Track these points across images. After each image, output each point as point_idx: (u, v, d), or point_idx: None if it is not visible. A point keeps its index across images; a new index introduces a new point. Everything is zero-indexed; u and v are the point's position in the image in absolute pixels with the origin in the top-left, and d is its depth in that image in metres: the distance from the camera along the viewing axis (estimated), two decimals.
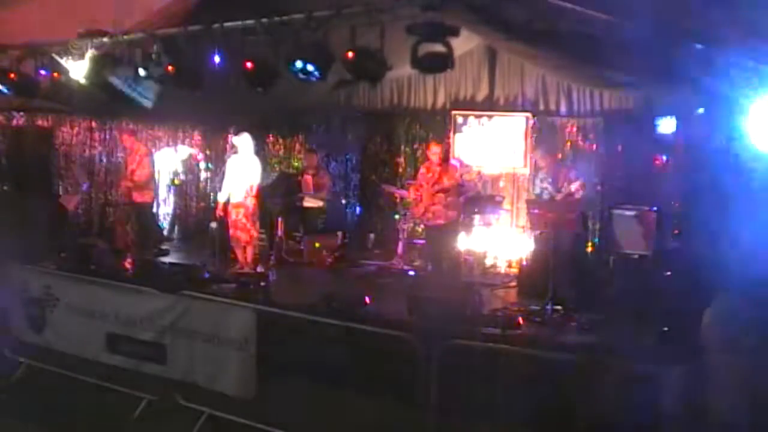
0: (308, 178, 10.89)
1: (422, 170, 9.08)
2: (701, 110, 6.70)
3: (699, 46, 5.19)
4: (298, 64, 6.30)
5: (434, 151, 8.96)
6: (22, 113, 10.74)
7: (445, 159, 9.03)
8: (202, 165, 12.53)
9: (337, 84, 8.58)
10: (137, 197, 10.36)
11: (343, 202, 12.45)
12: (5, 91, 8.19)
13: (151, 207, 11.01)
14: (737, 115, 5.67)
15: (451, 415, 5.60)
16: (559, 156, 9.70)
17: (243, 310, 6.55)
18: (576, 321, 6.93)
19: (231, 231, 9.19)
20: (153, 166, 10.66)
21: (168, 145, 12.56)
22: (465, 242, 9.41)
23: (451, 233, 8.78)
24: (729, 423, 2.69)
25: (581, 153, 10.54)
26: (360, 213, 12.43)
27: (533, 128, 10.90)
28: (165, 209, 12.73)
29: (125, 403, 6.42)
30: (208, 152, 12.76)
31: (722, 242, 5.35)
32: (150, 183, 10.56)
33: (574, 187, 8.14)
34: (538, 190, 8.66)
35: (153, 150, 11.81)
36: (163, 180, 12.18)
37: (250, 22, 6.66)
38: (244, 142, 9.16)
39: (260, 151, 10.01)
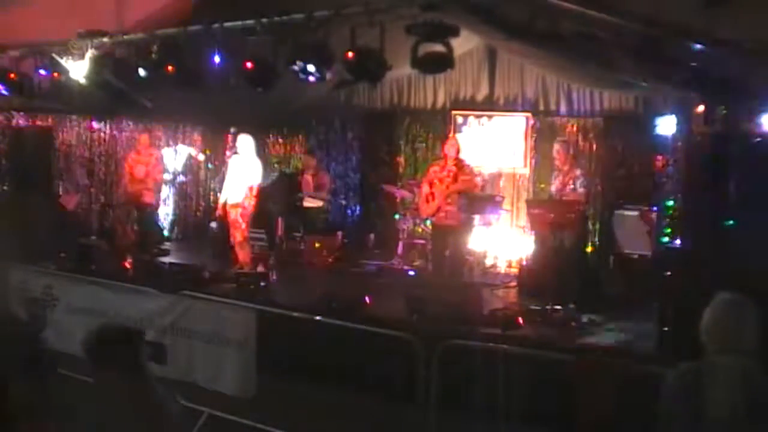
0: (308, 178, 10.89)
1: (435, 168, 8.73)
2: (701, 109, 6.70)
3: (699, 46, 5.19)
4: (298, 64, 6.30)
5: (452, 144, 8.62)
6: (22, 113, 10.74)
7: (458, 157, 8.65)
8: (202, 163, 12.54)
9: (337, 84, 8.58)
10: (147, 197, 10.40)
11: (343, 202, 12.46)
12: (5, 91, 8.20)
13: (156, 208, 11.06)
14: (737, 115, 5.67)
15: (451, 415, 5.60)
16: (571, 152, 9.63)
17: (243, 310, 6.56)
18: (576, 321, 6.92)
19: (230, 231, 9.20)
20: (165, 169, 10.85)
21: (168, 145, 12.56)
22: (465, 242, 9.40)
23: (461, 234, 8.67)
24: (728, 424, 2.69)
25: (581, 153, 10.54)
26: (360, 213, 12.42)
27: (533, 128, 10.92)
28: (165, 209, 12.72)
29: None
30: (208, 152, 12.76)
31: (722, 242, 5.36)
32: (159, 184, 10.63)
33: (579, 185, 8.14)
34: (553, 188, 8.60)
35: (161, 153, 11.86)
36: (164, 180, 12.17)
37: (250, 22, 6.66)
38: (245, 143, 9.16)
39: (260, 151, 10.00)
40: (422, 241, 10.33)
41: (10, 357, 3.26)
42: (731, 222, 5.43)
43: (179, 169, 12.76)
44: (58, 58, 7.69)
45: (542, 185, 10.71)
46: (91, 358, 2.99)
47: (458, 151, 8.58)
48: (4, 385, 3.16)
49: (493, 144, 10.99)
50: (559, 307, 7.08)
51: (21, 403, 3.15)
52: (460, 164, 8.53)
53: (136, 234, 11.02)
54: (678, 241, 6.07)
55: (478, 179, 10.30)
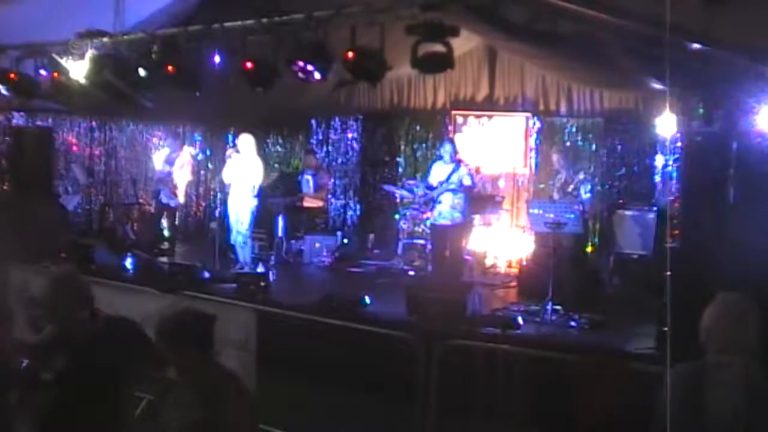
0: (308, 178, 10.90)
1: (435, 168, 8.84)
2: (701, 110, 6.70)
3: (699, 46, 5.19)
4: (298, 64, 6.29)
5: (446, 149, 8.71)
6: (22, 113, 10.74)
7: (457, 158, 8.73)
8: (201, 157, 12.56)
9: (337, 84, 8.57)
10: (174, 201, 10.41)
11: (343, 202, 12.46)
12: (5, 91, 8.20)
13: (175, 209, 11.06)
14: (737, 115, 5.67)
15: (451, 415, 5.60)
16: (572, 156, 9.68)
17: (243, 310, 6.55)
18: (576, 321, 6.93)
19: (231, 231, 9.21)
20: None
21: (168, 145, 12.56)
22: (465, 242, 9.40)
23: (456, 235, 8.68)
24: (729, 423, 2.69)
25: (581, 153, 10.54)
26: (360, 213, 12.43)
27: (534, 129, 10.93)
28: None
29: None
30: (208, 152, 12.78)
31: (722, 242, 5.36)
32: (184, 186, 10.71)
33: (584, 191, 8.14)
34: (557, 195, 8.60)
35: (154, 150, 11.84)
36: None
37: (250, 22, 6.65)
38: (246, 142, 9.16)
39: (260, 151, 10.01)
40: (422, 241, 10.34)
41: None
42: (731, 222, 5.43)
43: None
44: (58, 58, 7.68)
45: (542, 185, 10.71)
46: (170, 341, 3.18)
47: (456, 153, 8.65)
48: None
49: (493, 144, 11.00)
50: (559, 307, 7.09)
51: None
52: (456, 166, 8.57)
53: (136, 234, 11.02)
54: (678, 241, 6.06)
55: (478, 177, 10.34)
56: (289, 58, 6.36)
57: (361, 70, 6.30)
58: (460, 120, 11.28)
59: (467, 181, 8.45)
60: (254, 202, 9.13)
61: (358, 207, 12.49)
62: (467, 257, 9.38)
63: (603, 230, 10.11)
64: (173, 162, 10.48)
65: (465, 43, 9.77)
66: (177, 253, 10.74)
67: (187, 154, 10.64)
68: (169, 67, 7.03)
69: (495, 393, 5.47)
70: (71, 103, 9.37)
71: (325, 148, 12.66)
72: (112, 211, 11.74)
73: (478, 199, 10.02)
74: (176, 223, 11.23)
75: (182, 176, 10.47)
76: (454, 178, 8.40)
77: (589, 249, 9.30)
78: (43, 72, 7.97)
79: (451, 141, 9.02)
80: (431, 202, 8.65)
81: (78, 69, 7.49)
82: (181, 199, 10.70)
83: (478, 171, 10.20)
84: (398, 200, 10.72)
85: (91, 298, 3.75)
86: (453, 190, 8.44)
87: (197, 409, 2.94)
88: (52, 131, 11.23)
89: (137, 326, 3.74)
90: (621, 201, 9.65)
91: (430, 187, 8.68)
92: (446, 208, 8.50)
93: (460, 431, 5.82)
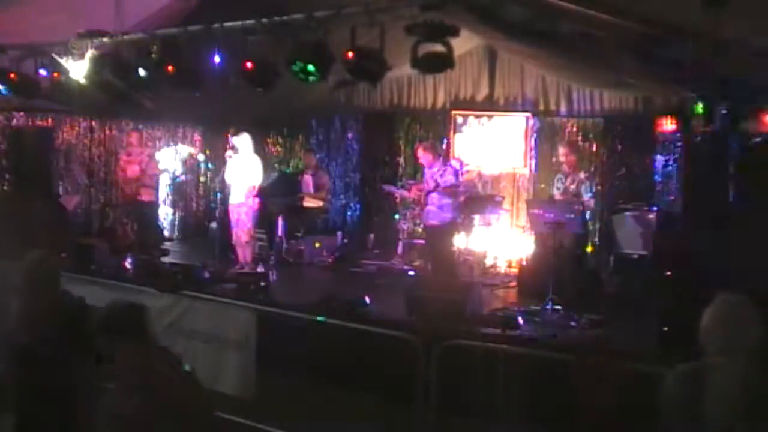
0: (308, 178, 10.90)
1: (426, 169, 8.95)
2: (701, 110, 6.71)
3: (699, 46, 5.19)
4: (298, 64, 6.30)
5: (419, 154, 8.86)
6: (22, 113, 10.73)
7: (438, 160, 8.82)
8: (202, 163, 12.55)
9: (337, 84, 8.58)
10: (145, 195, 10.39)
11: (343, 202, 12.46)
12: (5, 91, 8.20)
13: (156, 206, 11.05)
14: (737, 115, 5.68)
15: (451, 415, 5.60)
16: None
17: (243, 310, 6.56)
18: (576, 321, 6.92)
19: (232, 230, 9.20)
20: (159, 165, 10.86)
21: (168, 145, 12.57)
22: (465, 242, 9.40)
23: (446, 235, 8.70)
24: (728, 424, 2.69)
25: (581, 153, 10.53)
26: (360, 213, 12.43)
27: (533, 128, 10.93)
28: (165, 209, 12.73)
29: None
30: (208, 152, 12.76)
31: (722, 241, 5.37)
32: (156, 182, 10.65)
33: (585, 190, 8.11)
34: (555, 191, 8.59)
35: (154, 150, 11.83)
36: (163, 180, 12.16)
37: (250, 22, 6.65)
38: (243, 142, 9.16)
39: (260, 151, 10.01)
40: (422, 241, 10.34)
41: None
42: (731, 222, 5.44)
43: (179, 169, 12.76)
44: (58, 58, 7.68)
45: (542, 185, 10.72)
46: (103, 333, 3.28)
47: (430, 158, 8.70)
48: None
49: (493, 144, 11.00)
50: (559, 307, 7.08)
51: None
52: (440, 167, 8.63)
53: (137, 234, 11.02)
54: (678, 241, 6.08)
55: (470, 176, 10.35)
56: (289, 58, 6.36)
57: (361, 70, 6.31)
58: (460, 120, 11.28)
59: (450, 180, 8.49)
60: (254, 201, 9.13)
61: (358, 207, 12.49)
62: (467, 257, 9.39)
63: (603, 230, 10.11)
64: (143, 159, 10.51)
65: (465, 43, 9.77)
66: (177, 253, 10.75)
67: (150, 149, 10.75)
68: (169, 67, 7.04)
69: (495, 393, 5.47)
70: (71, 103, 9.36)
71: (325, 148, 12.66)
72: (112, 211, 11.73)
73: (478, 199, 10.02)
74: (159, 220, 11.28)
75: (151, 171, 10.54)
76: (437, 178, 8.49)
77: (589, 249, 9.29)
78: (43, 72, 7.97)
79: (426, 146, 9.06)
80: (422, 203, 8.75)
81: (78, 69, 7.50)
82: (163, 195, 10.80)
83: (475, 174, 10.24)
84: (398, 200, 10.72)
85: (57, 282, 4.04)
86: (439, 191, 8.49)
87: (138, 396, 3.01)
88: (52, 131, 11.22)
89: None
90: (621, 201, 9.65)
91: (422, 188, 8.81)
92: (434, 209, 8.54)
93: (460, 431, 5.83)
